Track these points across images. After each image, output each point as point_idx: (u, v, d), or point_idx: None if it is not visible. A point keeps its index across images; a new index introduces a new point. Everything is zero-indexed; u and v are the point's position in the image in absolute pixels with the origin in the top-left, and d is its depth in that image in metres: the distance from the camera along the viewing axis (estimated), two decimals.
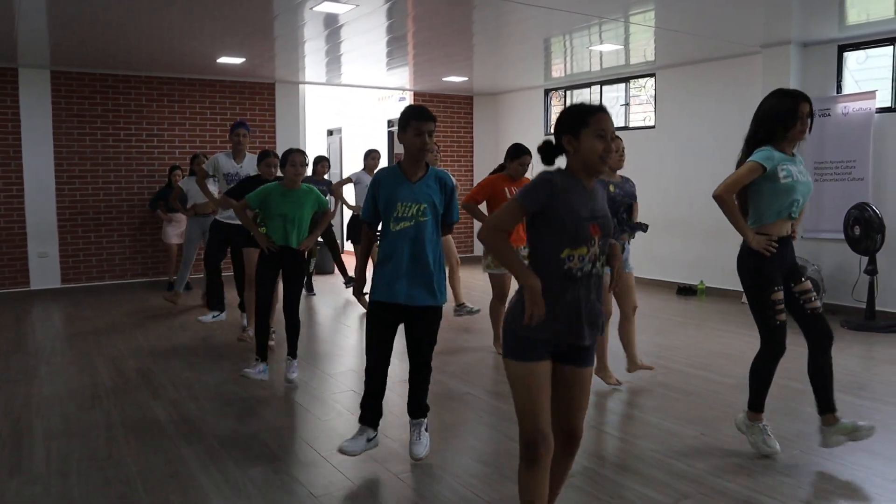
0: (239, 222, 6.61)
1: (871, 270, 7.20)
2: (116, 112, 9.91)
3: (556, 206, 2.52)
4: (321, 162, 9.34)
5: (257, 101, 10.90)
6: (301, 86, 11.23)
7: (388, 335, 3.78)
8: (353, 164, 14.02)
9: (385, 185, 3.70)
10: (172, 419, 4.59)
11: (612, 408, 4.87)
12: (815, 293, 3.85)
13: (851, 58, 7.93)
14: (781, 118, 3.68)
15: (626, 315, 5.26)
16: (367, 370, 3.85)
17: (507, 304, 5.70)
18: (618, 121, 10.62)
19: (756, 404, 3.93)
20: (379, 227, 3.84)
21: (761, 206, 3.74)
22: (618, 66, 9.75)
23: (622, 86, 10.52)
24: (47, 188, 9.54)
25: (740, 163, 3.79)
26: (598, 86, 10.82)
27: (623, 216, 4.84)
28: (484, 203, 5.94)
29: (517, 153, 5.91)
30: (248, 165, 6.94)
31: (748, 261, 3.77)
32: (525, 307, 2.50)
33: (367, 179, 8.48)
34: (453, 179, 3.86)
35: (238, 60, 9.14)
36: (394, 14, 6.87)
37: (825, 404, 3.82)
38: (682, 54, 8.90)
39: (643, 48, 8.56)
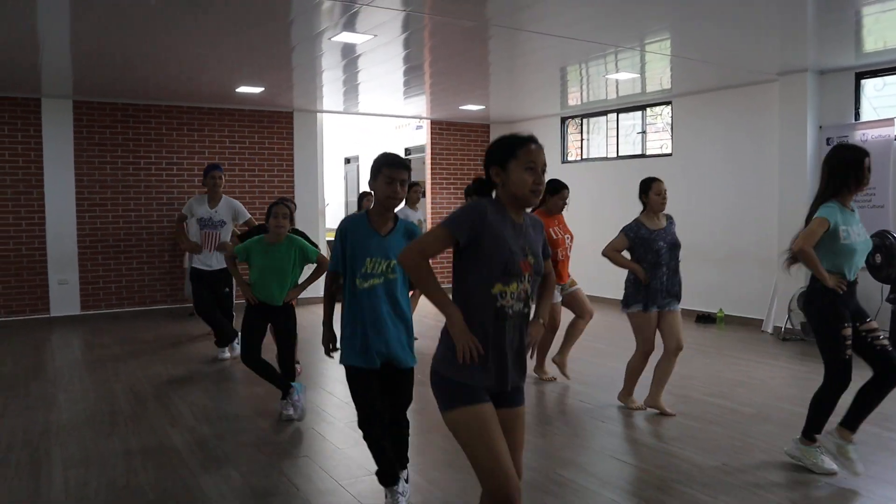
0: (218, 268, 6.91)
1: (893, 299, 7.12)
2: (137, 141, 10.04)
3: (486, 237, 2.38)
4: (366, 196, 9.48)
5: (275, 129, 11.00)
6: (319, 114, 11.34)
7: (374, 396, 3.45)
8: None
9: (352, 237, 3.37)
10: (190, 447, 4.59)
11: (630, 437, 4.82)
12: (881, 332, 4.09)
13: (869, 85, 7.92)
14: (852, 172, 3.93)
15: (668, 352, 5.23)
16: (367, 438, 3.51)
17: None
18: (634, 149, 10.65)
19: (813, 432, 4.09)
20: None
21: (823, 258, 3.96)
22: (634, 94, 9.78)
23: (639, 113, 10.54)
24: (68, 216, 9.65)
25: (809, 216, 4.03)
26: (615, 114, 10.86)
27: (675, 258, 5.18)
28: None
29: (556, 188, 6.00)
30: (224, 209, 6.94)
31: (820, 300, 3.99)
32: (457, 347, 2.35)
33: (413, 215, 8.51)
34: (420, 230, 3.60)
35: (257, 90, 9.25)
36: (410, 44, 6.95)
37: (853, 423, 4.01)
38: (698, 82, 8.92)
39: (659, 76, 8.60)
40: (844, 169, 3.94)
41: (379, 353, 3.38)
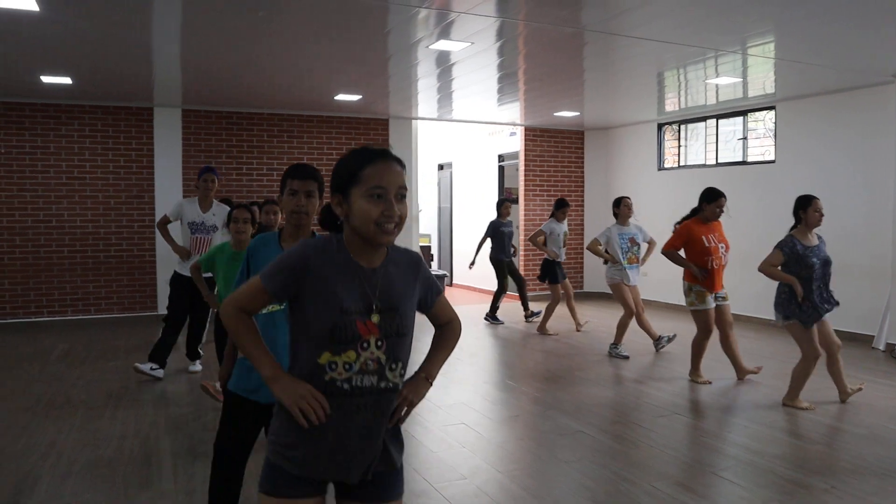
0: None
1: None
2: (240, 147, 10.44)
3: (307, 291, 1.85)
4: (505, 204, 9.88)
5: (371, 136, 11.23)
6: (414, 121, 11.50)
7: (248, 428, 3.06)
8: (462, 198, 14.20)
9: (259, 259, 2.92)
10: None
11: (730, 453, 4.66)
12: None
13: None
14: None
15: (832, 355, 5.51)
16: (216, 470, 3.12)
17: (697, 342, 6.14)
18: (735, 155, 10.31)
19: None
20: None
21: None
22: (735, 98, 9.48)
23: (739, 119, 10.21)
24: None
25: None
26: (714, 119, 10.55)
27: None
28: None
29: (713, 196, 6.18)
30: (218, 213, 6.68)
31: None
32: (291, 412, 1.84)
33: (559, 228, 9.01)
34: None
35: (355, 97, 9.47)
36: (505, 51, 6.97)
37: None
38: (804, 86, 8.56)
39: (762, 80, 8.30)
40: None
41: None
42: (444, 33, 6.19)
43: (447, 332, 2.22)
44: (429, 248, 14.45)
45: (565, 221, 9.19)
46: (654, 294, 11.02)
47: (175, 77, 8.23)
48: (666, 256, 6.32)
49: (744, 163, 10.08)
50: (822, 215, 5.46)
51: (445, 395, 6.04)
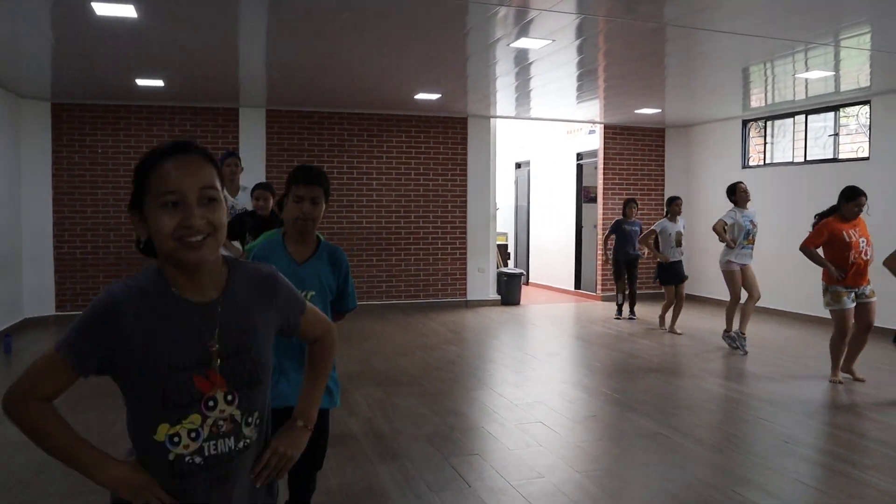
0: None
1: None
2: (321, 146, 10.67)
3: (127, 349, 1.45)
4: (630, 204, 10.00)
5: (450, 135, 11.30)
6: (492, 120, 11.52)
7: None
8: (540, 196, 14.14)
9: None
10: (368, 436, 4.82)
11: (821, 462, 4.50)
12: None
13: None
14: None
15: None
16: None
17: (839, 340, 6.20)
18: (825, 152, 9.92)
19: None
20: None
21: None
22: (826, 93, 9.12)
23: (831, 115, 9.82)
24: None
25: None
26: (804, 115, 10.17)
27: None
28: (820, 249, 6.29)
29: (852, 195, 6.17)
30: (245, 199, 6.58)
31: None
32: None
33: (672, 227, 8.92)
34: (347, 257, 3.02)
35: (434, 96, 9.55)
36: (585, 49, 6.90)
37: None
38: None
39: (856, 73, 7.96)
40: None
41: (280, 395, 2.52)
42: (524, 31, 6.18)
43: (318, 354, 1.83)
44: (506, 246, 14.45)
45: (680, 219, 9.01)
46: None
47: (260, 79, 8.48)
48: (803, 253, 6.32)
49: (835, 160, 9.69)
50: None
51: (523, 394, 6.03)
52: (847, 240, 6.08)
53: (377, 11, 5.64)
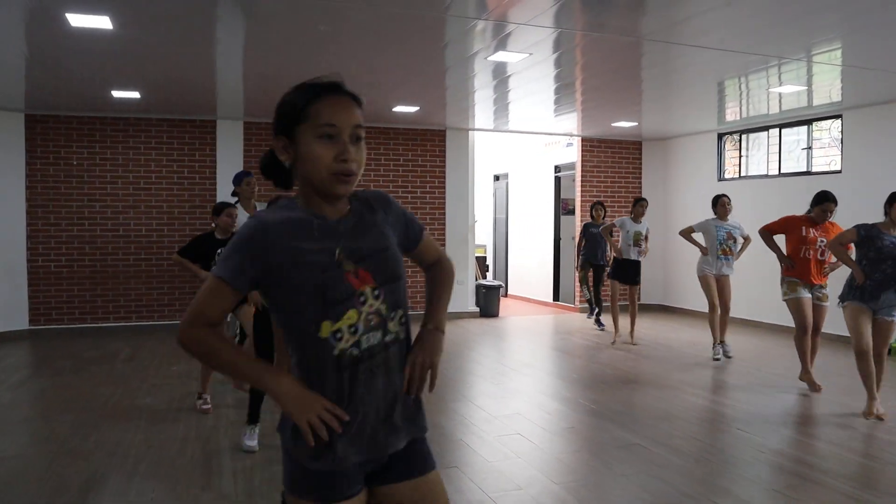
0: None
1: None
2: None
3: (278, 266, 1.62)
4: (596, 207, 10.09)
5: (428, 147, 11.32)
6: (470, 132, 11.55)
7: None
8: (518, 209, 14.19)
9: None
10: None
11: (796, 471, 4.53)
12: None
13: None
14: None
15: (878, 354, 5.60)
16: None
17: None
18: (798, 165, 10.07)
19: None
20: None
21: None
22: (799, 107, 9.26)
23: (804, 128, 9.97)
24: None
25: None
26: (777, 129, 10.32)
27: None
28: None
29: (819, 200, 6.30)
30: None
31: None
32: (300, 428, 1.62)
33: (632, 226, 9.01)
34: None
35: (412, 109, 9.56)
36: (562, 62, 6.96)
37: None
38: (873, 93, 8.30)
39: (828, 88, 8.10)
40: None
41: None
42: (502, 45, 6.22)
43: (440, 271, 1.96)
44: (484, 258, 14.47)
45: (643, 221, 9.09)
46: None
47: (237, 90, 8.45)
48: (761, 237, 6.55)
49: (808, 173, 9.83)
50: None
51: (502, 406, 6.03)
52: (803, 234, 6.23)
53: (355, 24, 5.65)
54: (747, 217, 10.22)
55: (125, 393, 6.36)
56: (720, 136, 11.38)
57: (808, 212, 6.42)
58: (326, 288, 1.62)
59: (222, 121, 10.27)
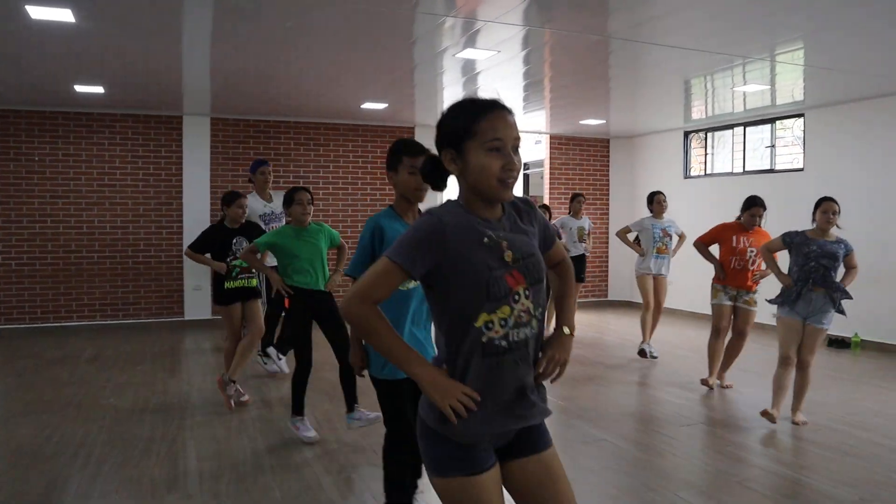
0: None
1: None
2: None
3: (450, 261, 1.83)
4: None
5: None
6: None
7: (407, 409, 3.04)
8: None
9: (389, 236, 2.99)
10: (314, 450, 4.76)
11: (758, 464, 4.61)
12: None
13: None
14: None
15: (804, 362, 5.39)
16: (393, 461, 3.24)
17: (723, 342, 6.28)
18: (762, 163, 10.22)
19: None
20: None
21: None
22: (763, 106, 9.41)
23: (767, 127, 10.12)
24: (203, 225, 10.17)
25: None
26: (742, 127, 10.47)
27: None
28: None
29: (748, 205, 6.31)
30: (277, 200, 6.73)
31: None
32: (443, 410, 1.84)
33: (573, 223, 9.08)
34: None
35: (381, 106, 9.53)
36: (530, 60, 6.98)
37: None
38: (834, 93, 8.46)
39: (791, 87, 8.23)
40: None
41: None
42: (470, 42, 6.22)
43: (566, 273, 2.26)
44: None
45: (584, 217, 9.21)
46: (679, 303, 10.95)
47: (204, 86, 8.34)
48: (695, 248, 6.57)
49: (772, 171, 9.99)
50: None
51: None
52: (734, 245, 6.24)
53: (323, 20, 5.61)
54: (714, 214, 10.35)
55: (88, 393, 6.25)
56: (686, 134, 11.52)
57: (739, 217, 6.42)
58: (490, 285, 1.83)
59: (189, 116, 10.13)
